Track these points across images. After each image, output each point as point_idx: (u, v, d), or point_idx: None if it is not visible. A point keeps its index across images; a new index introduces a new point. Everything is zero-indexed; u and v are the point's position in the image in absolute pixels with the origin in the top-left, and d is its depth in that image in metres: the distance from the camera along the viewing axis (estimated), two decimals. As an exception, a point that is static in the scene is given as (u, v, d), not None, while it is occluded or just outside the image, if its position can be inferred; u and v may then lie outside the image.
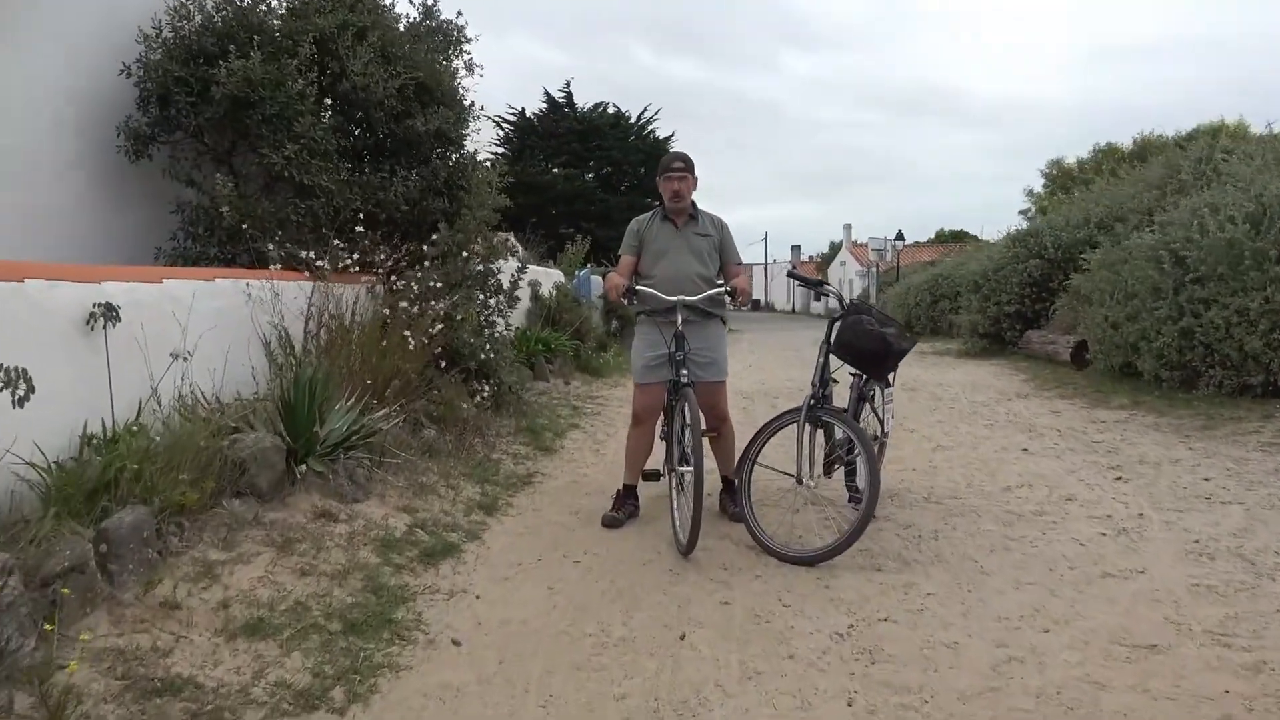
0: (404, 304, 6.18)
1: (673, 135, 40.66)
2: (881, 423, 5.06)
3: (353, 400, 5.19)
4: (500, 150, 39.13)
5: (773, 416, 4.47)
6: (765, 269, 68.89)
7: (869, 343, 4.18)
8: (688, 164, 4.82)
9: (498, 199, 8.03)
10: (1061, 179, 29.96)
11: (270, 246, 5.78)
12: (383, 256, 6.22)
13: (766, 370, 12.98)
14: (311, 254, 5.79)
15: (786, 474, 4.48)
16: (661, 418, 4.93)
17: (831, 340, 4.45)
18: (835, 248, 58.79)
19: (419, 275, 6.45)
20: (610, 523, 4.76)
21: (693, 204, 4.88)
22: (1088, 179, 26.78)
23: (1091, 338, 10.35)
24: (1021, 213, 32.89)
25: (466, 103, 7.76)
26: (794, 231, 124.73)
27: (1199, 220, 8.48)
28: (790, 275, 5.30)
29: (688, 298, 4.60)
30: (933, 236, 56.80)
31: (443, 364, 6.85)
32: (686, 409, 4.41)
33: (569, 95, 40.31)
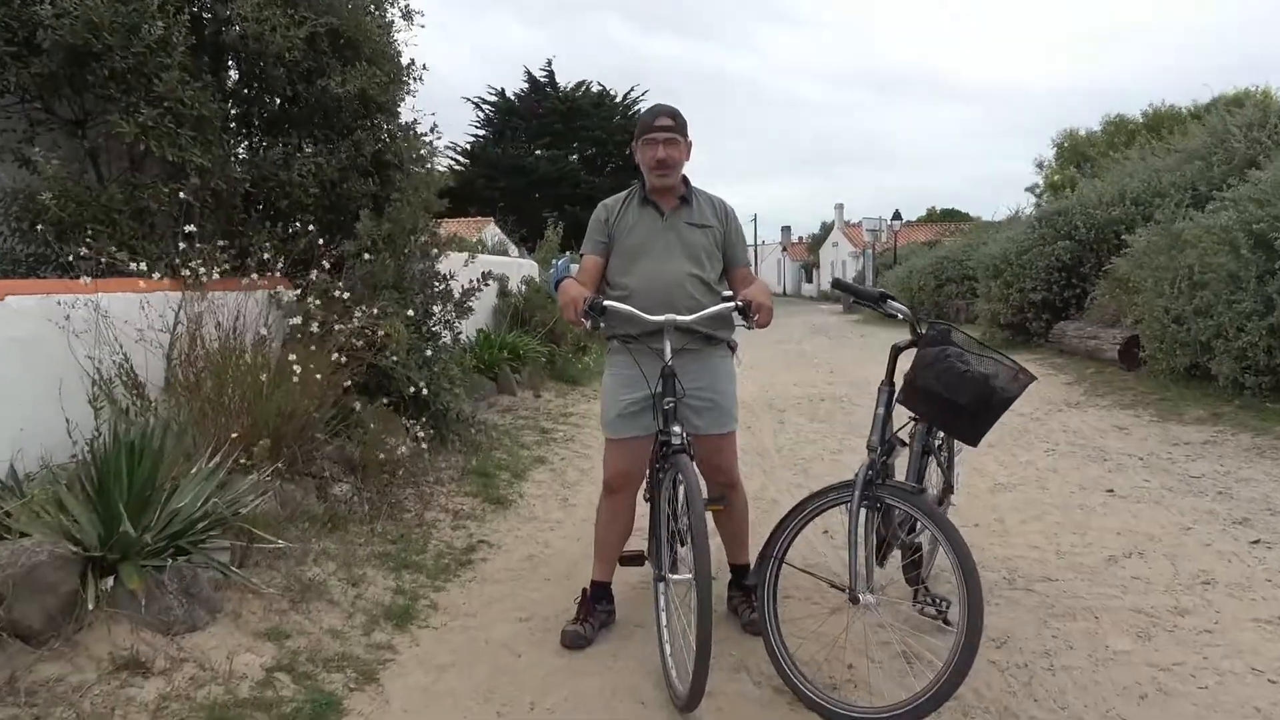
0: (299, 320, 4.71)
1: (659, 114, 39.12)
2: (949, 480, 3.63)
3: (218, 460, 3.73)
4: (481, 132, 37.52)
5: (810, 495, 3.01)
6: (755, 251, 67.32)
7: (963, 390, 2.68)
8: (678, 121, 3.32)
9: (440, 179, 6.54)
10: (1073, 153, 28.44)
11: (114, 248, 4.28)
12: (269, 256, 4.72)
13: (767, 371, 11.52)
14: (187, 257, 4.31)
15: (832, 583, 3.03)
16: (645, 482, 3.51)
17: (898, 383, 2.98)
18: (826, 228, 57.23)
19: (327, 280, 4.97)
20: (573, 641, 3.30)
21: (685, 181, 3.42)
22: (1101, 152, 25.38)
23: (1146, 333, 8.93)
24: (1029, 189, 31.32)
25: (403, 61, 6.25)
26: (783, 212, 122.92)
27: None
28: (837, 285, 3.71)
29: (679, 317, 3.14)
30: (924, 215, 55.27)
31: (369, 391, 5.38)
32: (681, 485, 2.97)
33: (550, 75, 38.63)
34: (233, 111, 5.56)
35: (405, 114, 6.33)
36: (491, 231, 24.86)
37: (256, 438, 4.08)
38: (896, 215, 31.76)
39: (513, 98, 38.15)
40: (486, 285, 6.51)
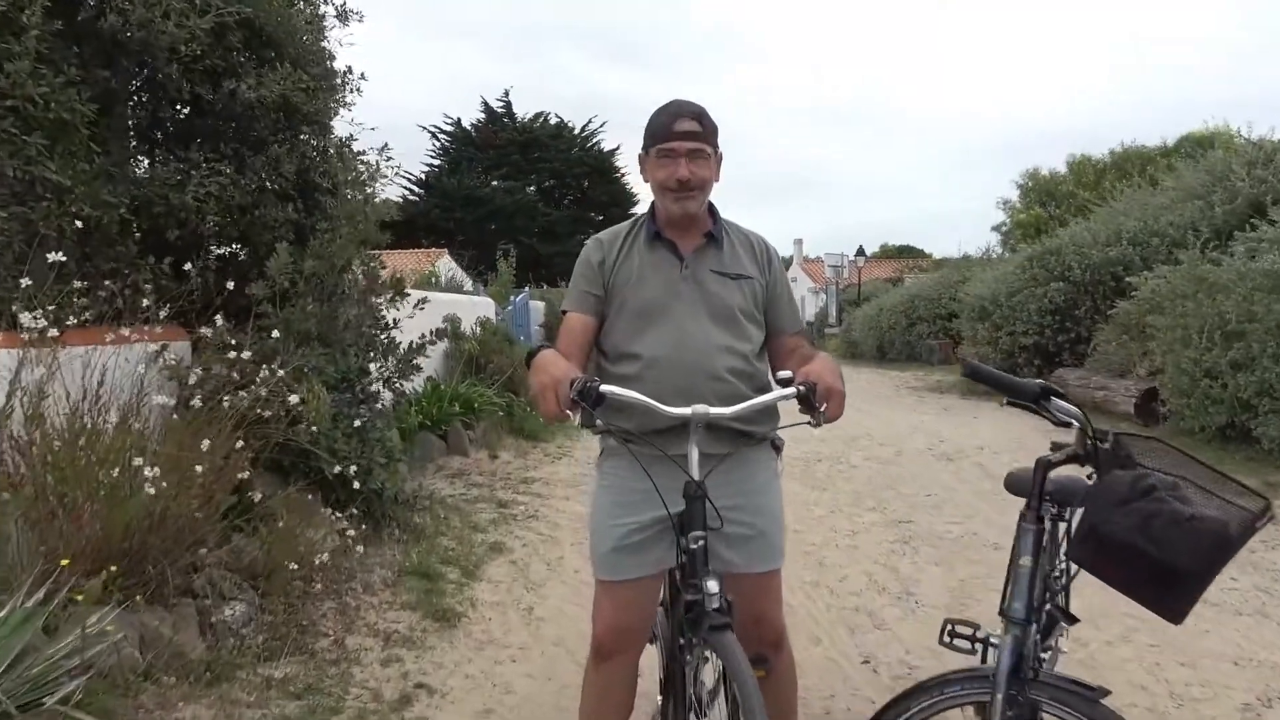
0: (192, 381, 3.62)
1: (619, 148, 38.54)
2: (1060, 604, 2.63)
3: (40, 595, 2.63)
4: (436, 162, 36.46)
5: (917, 686, 1.99)
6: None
7: (1183, 547, 1.68)
8: (706, 125, 2.29)
9: (385, 208, 5.50)
10: (1039, 192, 28.22)
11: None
12: (150, 301, 3.62)
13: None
14: (33, 303, 3.21)
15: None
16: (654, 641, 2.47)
17: (1071, 526, 1.96)
18: (784, 263, 56.94)
19: (228, 331, 3.89)
20: None
21: (711, 211, 2.42)
22: (1070, 191, 25.15)
23: (1169, 386, 8.13)
24: (996, 228, 31.06)
25: (337, 65, 5.23)
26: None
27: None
28: (974, 375, 2.41)
29: (712, 409, 2.11)
30: (878, 250, 54.85)
31: (282, 471, 4.28)
32: (724, 674, 1.95)
33: (508, 105, 37.85)
34: (130, 122, 4.49)
35: (341, 128, 5.30)
36: (446, 264, 23.75)
37: (109, 557, 2.96)
38: (860, 251, 31.26)
39: (470, 128, 37.24)
40: (436, 343, 5.45)
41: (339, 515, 4.08)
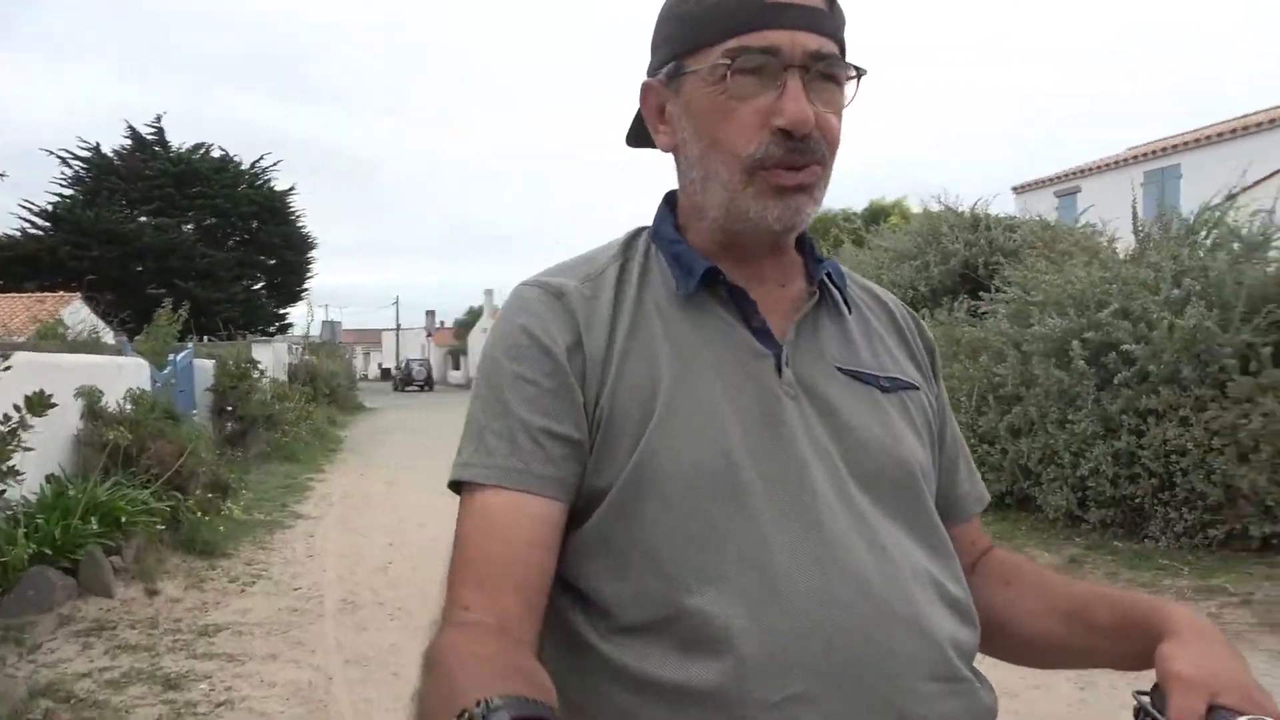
0: None
1: (293, 188, 35.13)
2: None
3: None
4: (68, 192, 30.79)
5: None
6: (398, 336, 63.73)
7: None
8: (836, 10, 0.89)
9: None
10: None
11: None
12: None
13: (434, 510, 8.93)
14: None
15: None
16: None
17: None
18: (474, 312, 55.43)
19: None
20: None
21: (801, 236, 0.99)
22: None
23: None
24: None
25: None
26: (426, 295, 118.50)
27: (1135, 304, 6.13)
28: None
29: None
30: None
31: None
32: None
33: (160, 132, 33.08)
34: None
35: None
36: (76, 311, 19.52)
37: None
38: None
39: (112, 155, 32.02)
40: (29, 428, 3.49)
41: None
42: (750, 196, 0.87)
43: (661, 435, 0.83)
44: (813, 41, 0.85)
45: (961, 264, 10.98)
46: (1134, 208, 7.82)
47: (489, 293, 51.63)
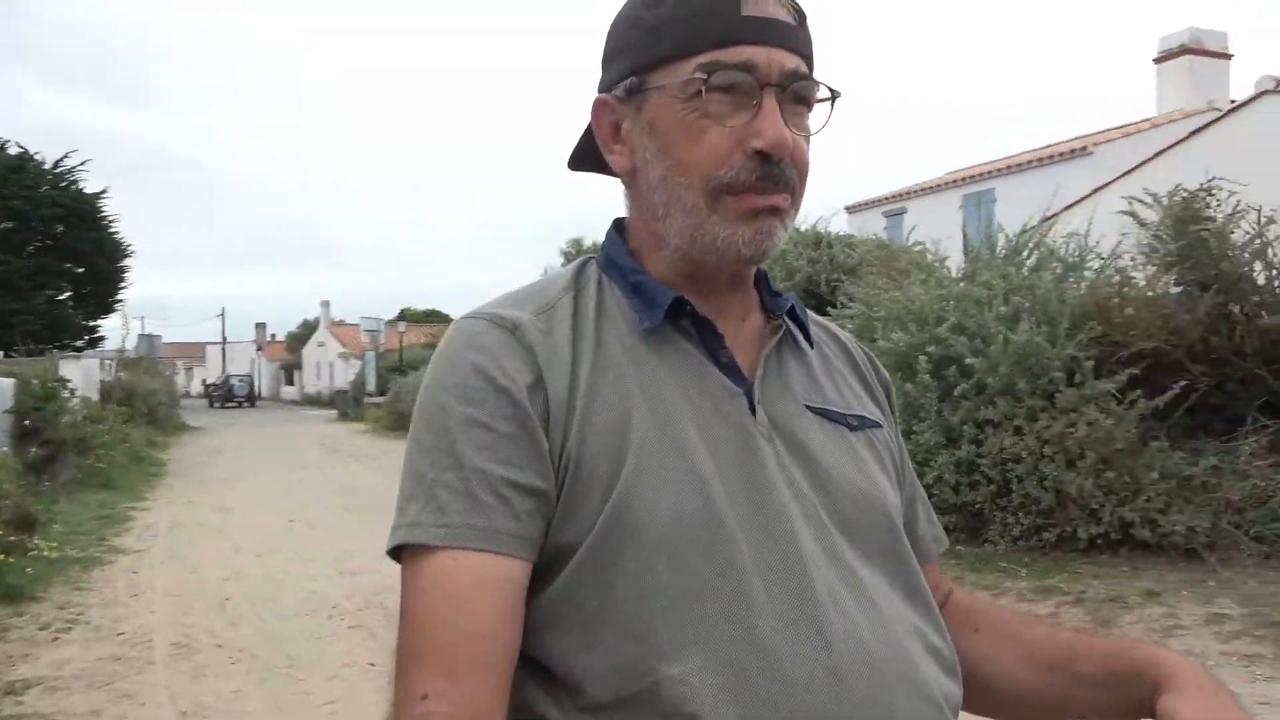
0: None
1: (105, 191, 32.44)
2: None
3: None
4: None
5: None
6: (223, 350, 60.11)
7: None
8: (804, 26, 0.84)
9: None
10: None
11: None
12: None
13: (287, 536, 8.48)
14: None
15: None
16: None
17: None
18: (309, 325, 52.98)
19: None
20: None
21: (763, 273, 0.92)
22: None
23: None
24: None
25: None
26: (257, 307, 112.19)
27: (971, 320, 6.49)
28: None
29: None
30: (398, 315, 53.12)
31: None
32: None
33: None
34: None
35: None
36: None
37: None
38: (401, 316, 29.86)
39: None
40: None
41: None
42: (717, 222, 0.81)
43: (637, 483, 0.75)
44: (790, 60, 0.80)
45: (805, 280, 11.39)
46: (964, 230, 8.34)
47: (326, 304, 49.65)
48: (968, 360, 6.24)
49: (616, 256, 0.88)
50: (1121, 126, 17.21)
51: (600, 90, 0.87)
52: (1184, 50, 15.84)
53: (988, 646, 0.94)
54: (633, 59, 0.83)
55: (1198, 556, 5.50)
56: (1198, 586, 5.15)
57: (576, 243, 28.72)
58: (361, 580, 6.31)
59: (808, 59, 0.82)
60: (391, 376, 26.86)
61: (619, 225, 0.92)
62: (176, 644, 4.94)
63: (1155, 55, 16.43)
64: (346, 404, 30.19)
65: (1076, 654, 0.89)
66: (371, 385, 30.63)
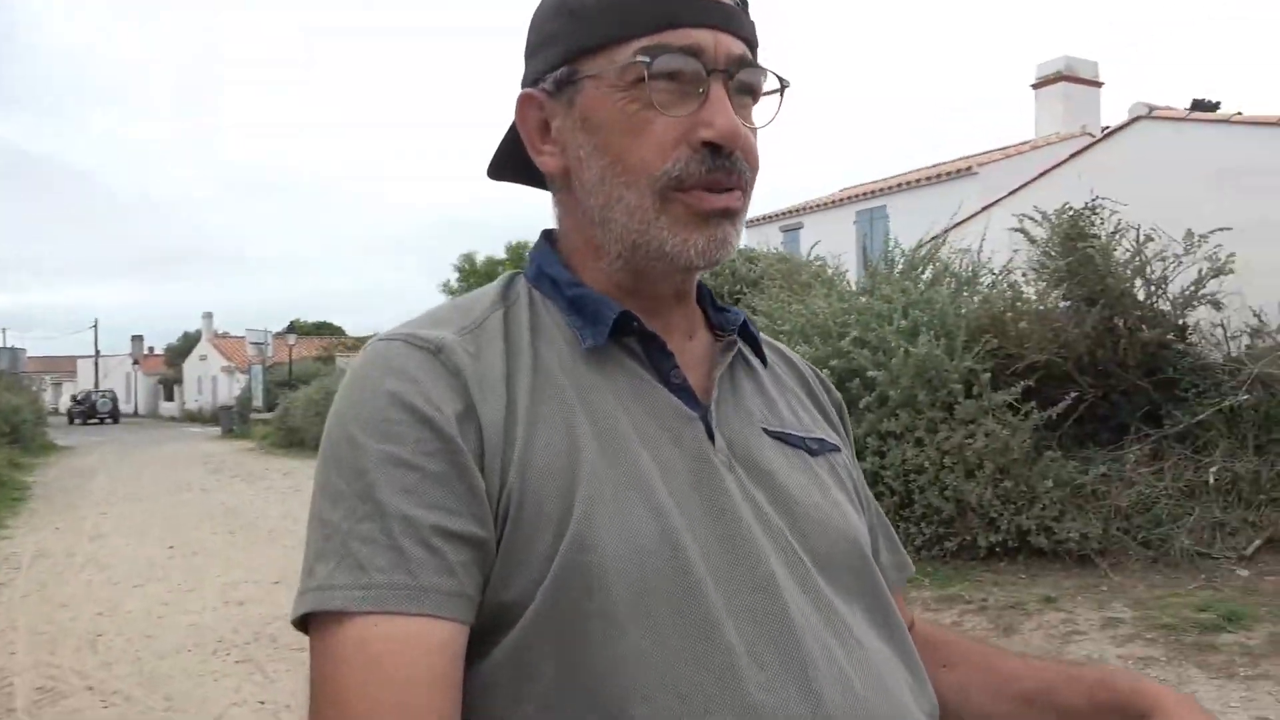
0: None
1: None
2: None
3: None
4: None
5: None
6: (96, 364, 56.85)
7: None
8: (747, 15, 0.77)
9: None
10: (482, 276, 29.05)
11: None
12: None
13: (172, 567, 8.00)
14: None
15: None
16: None
17: None
18: (190, 338, 50.58)
19: None
20: None
21: (706, 287, 0.86)
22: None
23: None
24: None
25: None
26: (133, 318, 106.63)
27: (872, 334, 6.59)
28: None
29: None
30: (287, 326, 51.46)
31: None
32: None
33: None
34: None
35: None
36: None
37: None
38: (291, 328, 28.80)
39: None
40: None
41: None
42: (665, 226, 0.72)
43: (590, 524, 0.65)
44: (736, 46, 0.73)
45: (725, 284, 11.51)
46: (863, 245, 8.49)
47: (208, 316, 47.44)
48: (870, 373, 6.32)
49: (549, 269, 0.79)
50: (1004, 148, 17.98)
51: (524, 85, 0.78)
52: (1060, 77, 16.64)
53: (960, 679, 0.89)
54: (562, 47, 0.74)
55: (1090, 562, 5.69)
56: (1092, 591, 5.32)
57: (469, 258, 28.36)
58: (249, 610, 5.95)
59: (753, 46, 0.75)
60: (281, 391, 25.83)
61: (549, 236, 0.82)
62: (41, 688, 4.52)
63: (1033, 81, 17.22)
64: (231, 420, 28.88)
65: (1054, 686, 0.83)
66: (259, 400, 29.40)
